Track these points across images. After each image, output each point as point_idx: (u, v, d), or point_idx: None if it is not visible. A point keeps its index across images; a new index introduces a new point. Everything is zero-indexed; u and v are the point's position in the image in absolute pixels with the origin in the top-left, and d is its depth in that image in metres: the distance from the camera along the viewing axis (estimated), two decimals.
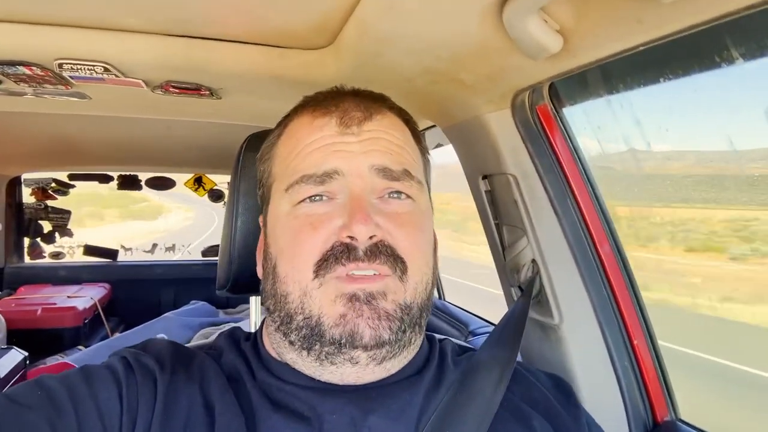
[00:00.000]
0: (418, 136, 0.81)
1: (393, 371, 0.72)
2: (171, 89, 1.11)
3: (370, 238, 0.66)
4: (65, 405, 0.60)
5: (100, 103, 1.30)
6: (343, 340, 0.65)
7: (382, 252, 0.66)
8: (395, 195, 0.71)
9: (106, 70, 0.97)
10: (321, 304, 0.66)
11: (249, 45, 0.96)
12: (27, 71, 0.98)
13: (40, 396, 0.61)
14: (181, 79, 1.06)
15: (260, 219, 0.83)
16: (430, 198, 0.81)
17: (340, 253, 0.66)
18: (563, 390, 0.83)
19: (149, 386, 0.66)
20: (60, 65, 0.94)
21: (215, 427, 0.63)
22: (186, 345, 0.80)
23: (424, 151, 0.81)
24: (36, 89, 1.13)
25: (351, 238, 0.65)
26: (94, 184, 3.57)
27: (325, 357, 0.68)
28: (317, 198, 0.69)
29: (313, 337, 0.67)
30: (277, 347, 0.74)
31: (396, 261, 0.67)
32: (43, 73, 0.99)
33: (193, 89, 1.11)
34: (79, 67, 0.95)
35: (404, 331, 0.67)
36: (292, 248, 0.69)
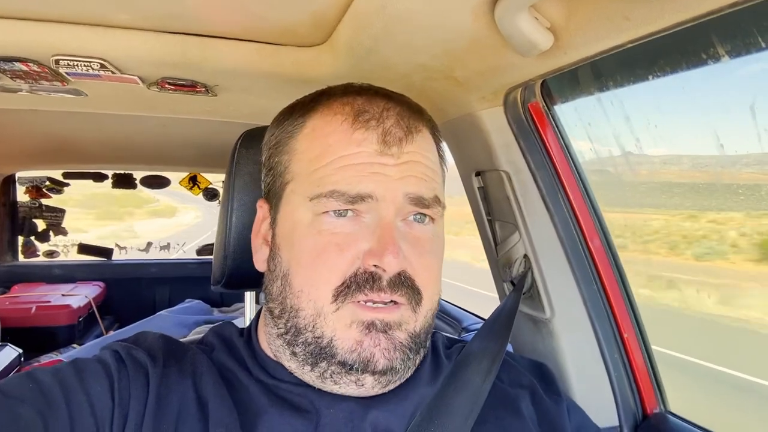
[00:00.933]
0: (441, 147, 0.80)
1: (390, 389, 0.71)
2: (167, 86, 1.11)
3: (397, 270, 0.65)
4: (57, 398, 0.60)
5: (96, 100, 1.31)
6: (356, 366, 0.65)
7: (404, 284, 0.66)
8: (419, 218, 0.70)
9: (102, 66, 0.97)
10: (335, 327, 0.66)
11: (245, 42, 0.97)
12: (24, 67, 0.98)
13: (31, 389, 0.61)
14: (176, 75, 1.07)
15: (259, 203, 0.80)
16: None
17: (364, 281, 0.65)
18: (546, 377, 0.84)
19: (141, 380, 0.66)
20: (57, 61, 0.95)
21: (209, 421, 0.63)
22: (177, 339, 0.80)
23: (444, 167, 0.80)
24: (32, 86, 1.13)
25: (377, 266, 0.65)
26: (106, 185, 3.56)
27: (330, 376, 0.67)
28: (343, 213, 0.67)
29: (321, 354, 0.66)
30: (276, 351, 0.73)
31: (413, 293, 0.67)
32: (39, 69, 0.99)
33: (189, 86, 1.12)
34: (75, 63, 0.95)
35: (411, 358, 0.68)
36: (313, 266, 0.67)
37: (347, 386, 0.67)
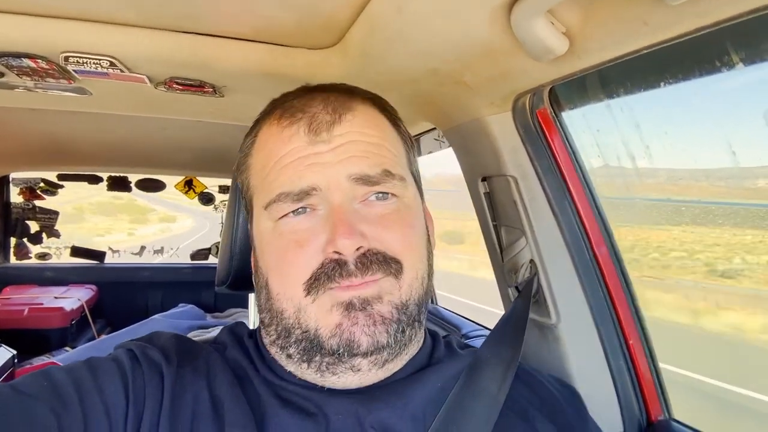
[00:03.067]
0: (395, 121, 0.79)
1: (395, 370, 0.72)
2: (174, 86, 1.11)
3: (357, 249, 0.65)
4: (71, 397, 0.60)
5: (100, 99, 1.30)
6: (341, 350, 0.65)
7: (373, 261, 0.66)
8: (380, 196, 0.70)
9: (111, 64, 0.97)
10: (317, 316, 0.66)
11: (255, 43, 0.97)
12: (32, 64, 0.98)
13: (45, 387, 0.61)
14: (185, 75, 1.07)
15: (248, 227, 0.82)
16: (418, 184, 0.79)
17: (332, 270, 0.65)
18: (571, 397, 0.83)
19: (156, 379, 0.66)
20: (66, 58, 0.94)
21: (225, 422, 0.63)
22: (191, 338, 0.80)
23: (404, 136, 0.79)
24: (37, 83, 1.12)
25: (338, 253, 0.65)
26: (107, 194, 3.56)
27: (326, 368, 0.68)
28: (300, 211, 0.68)
29: (312, 349, 0.67)
30: (276, 357, 0.74)
31: (389, 264, 0.67)
32: (47, 66, 0.99)
33: (197, 86, 1.11)
34: (85, 60, 0.95)
35: (403, 331, 0.67)
36: (281, 267, 0.69)
37: (345, 375, 0.68)
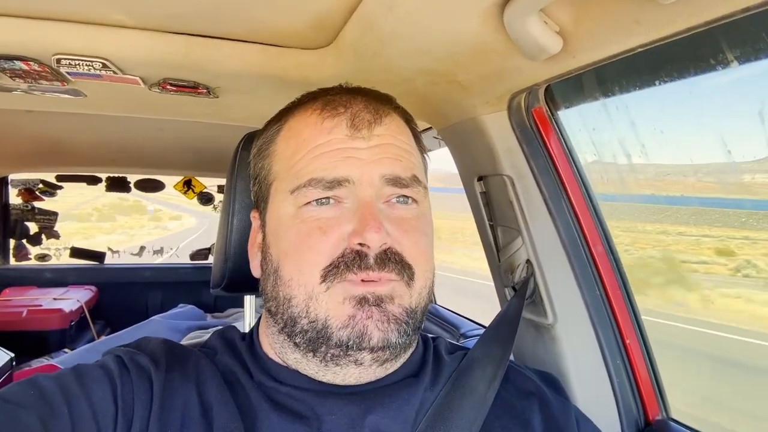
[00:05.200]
0: (418, 136, 0.81)
1: (391, 371, 0.72)
2: (168, 87, 1.10)
3: (381, 245, 0.66)
4: (58, 404, 0.60)
5: (95, 101, 1.30)
6: (351, 342, 0.65)
7: (392, 260, 0.66)
8: (402, 200, 0.71)
9: (104, 66, 0.96)
10: (328, 307, 0.66)
11: (248, 43, 0.96)
12: (24, 66, 0.97)
13: (32, 395, 0.60)
14: (178, 76, 1.06)
15: (253, 214, 0.82)
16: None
17: (352, 261, 0.65)
18: (553, 385, 0.84)
19: (144, 385, 0.66)
20: (58, 61, 0.94)
21: (213, 427, 0.63)
22: (180, 343, 0.79)
23: (423, 151, 0.81)
24: (31, 85, 1.12)
25: (361, 245, 0.65)
26: (112, 196, 3.55)
27: (330, 359, 0.68)
28: (324, 201, 0.69)
29: (319, 339, 0.66)
30: (280, 347, 0.73)
31: (404, 267, 0.68)
32: (40, 69, 0.98)
33: (191, 87, 1.11)
34: (77, 62, 0.95)
35: (409, 335, 0.68)
36: (299, 252, 0.68)
37: (347, 367, 0.68)
